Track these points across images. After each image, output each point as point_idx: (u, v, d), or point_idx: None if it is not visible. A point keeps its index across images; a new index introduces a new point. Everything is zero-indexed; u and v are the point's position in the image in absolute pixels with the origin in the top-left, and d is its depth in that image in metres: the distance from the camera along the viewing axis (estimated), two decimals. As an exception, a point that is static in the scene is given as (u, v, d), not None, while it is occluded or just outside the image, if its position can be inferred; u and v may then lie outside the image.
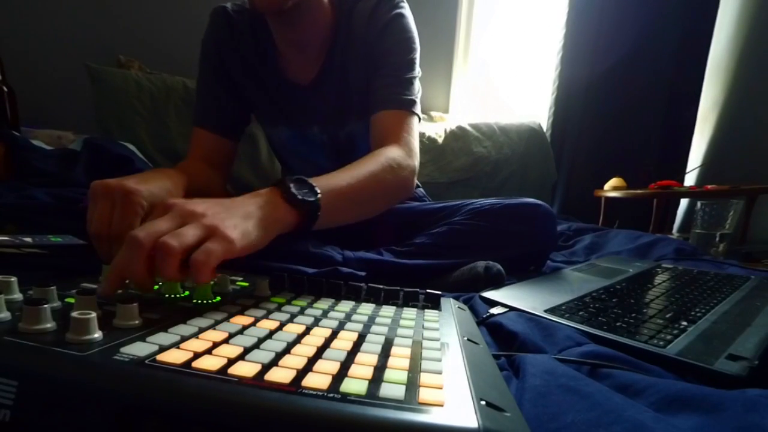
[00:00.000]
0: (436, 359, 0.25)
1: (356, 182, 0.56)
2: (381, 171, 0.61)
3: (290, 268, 0.60)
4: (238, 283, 0.41)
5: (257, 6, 0.67)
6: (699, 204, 1.20)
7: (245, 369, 0.21)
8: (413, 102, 0.75)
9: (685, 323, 0.46)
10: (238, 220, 0.37)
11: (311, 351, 0.24)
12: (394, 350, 0.26)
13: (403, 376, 0.22)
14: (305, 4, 0.71)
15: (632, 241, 1.02)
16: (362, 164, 0.59)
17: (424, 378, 0.22)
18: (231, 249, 0.34)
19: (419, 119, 0.77)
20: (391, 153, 0.65)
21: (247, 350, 0.23)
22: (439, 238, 0.71)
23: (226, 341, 0.25)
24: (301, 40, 0.77)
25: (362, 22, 0.76)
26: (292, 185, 0.45)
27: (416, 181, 1.01)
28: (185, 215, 0.34)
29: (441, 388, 0.21)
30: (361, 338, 0.28)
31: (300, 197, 0.44)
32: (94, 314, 0.23)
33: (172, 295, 0.34)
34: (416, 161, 0.69)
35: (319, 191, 0.47)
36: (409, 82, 0.75)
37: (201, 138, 0.82)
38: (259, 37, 0.80)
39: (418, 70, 0.78)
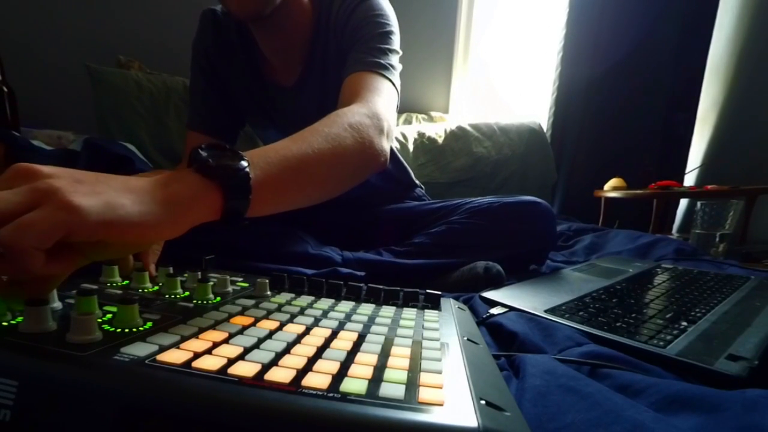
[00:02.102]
0: (436, 359, 0.25)
1: (308, 148, 0.43)
2: (338, 130, 0.48)
3: (290, 270, 0.60)
4: (238, 283, 0.41)
5: (235, 14, 0.66)
6: (699, 204, 1.20)
7: (245, 369, 0.21)
8: (382, 65, 0.66)
9: (685, 323, 0.46)
10: (105, 188, 0.26)
11: (311, 351, 0.24)
12: (394, 350, 0.26)
13: (403, 375, 0.22)
14: (285, 10, 0.69)
15: (632, 242, 1.02)
16: (314, 127, 0.47)
17: (424, 378, 0.22)
18: (71, 220, 0.22)
19: (396, 88, 0.67)
20: (350, 110, 0.54)
21: (247, 350, 0.23)
22: (437, 237, 0.71)
23: (226, 341, 0.25)
24: (282, 46, 0.76)
25: (335, 16, 0.74)
26: (203, 151, 0.33)
27: (414, 177, 1.02)
28: (20, 176, 0.24)
29: (441, 388, 0.21)
30: (361, 338, 0.28)
31: (213, 162, 0.32)
32: (94, 315, 0.23)
33: (172, 295, 0.34)
34: (386, 122, 0.57)
35: (247, 159, 0.34)
36: (381, 51, 0.68)
37: (194, 141, 0.81)
38: (245, 40, 0.79)
39: (395, 47, 0.71)
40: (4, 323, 0.24)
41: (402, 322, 0.33)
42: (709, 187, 1.52)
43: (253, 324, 0.29)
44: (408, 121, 1.75)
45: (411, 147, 1.54)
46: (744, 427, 0.26)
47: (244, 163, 0.34)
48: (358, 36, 0.70)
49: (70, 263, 0.25)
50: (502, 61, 1.97)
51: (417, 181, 1.02)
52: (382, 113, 0.57)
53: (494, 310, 0.51)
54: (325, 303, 0.37)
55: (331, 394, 0.19)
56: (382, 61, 0.66)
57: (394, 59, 0.70)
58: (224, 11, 0.79)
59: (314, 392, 0.19)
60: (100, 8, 1.36)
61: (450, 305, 0.41)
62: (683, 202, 1.95)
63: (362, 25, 0.70)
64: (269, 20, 0.69)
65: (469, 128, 1.65)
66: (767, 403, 0.27)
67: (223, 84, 0.83)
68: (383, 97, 0.61)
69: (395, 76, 0.68)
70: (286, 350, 0.24)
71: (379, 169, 0.57)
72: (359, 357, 0.24)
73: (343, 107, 0.56)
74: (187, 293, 0.35)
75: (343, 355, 0.24)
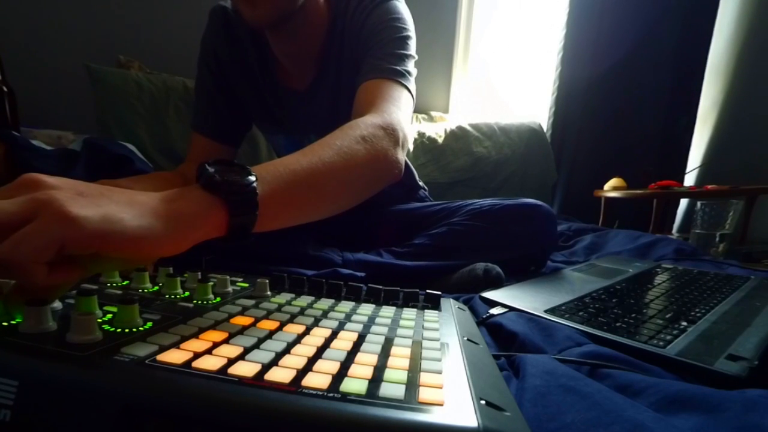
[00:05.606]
0: (436, 359, 0.25)
1: (318, 161, 0.42)
2: (350, 143, 0.46)
3: (290, 270, 0.60)
4: (238, 283, 0.41)
5: (249, 21, 0.64)
6: (699, 204, 1.20)
7: (245, 369, 0.21)
8: (399, 72, 0.64)
9: (685, 323, 0.46)
10: (106, 201, 0.26)
11: (311, 351, 0.24)
12: (394, 350, 0.26)
13: (403, 375, 0.22)
14: (302, 15, 0.68)
15: (632, 241, 1.02)
16: (325, 140, 0.46)
17: (424, 378, 0.22)
18: (66, 230, 0.22)
19: (412, 96, 0.66)
20: (363, 122, 0.52)
21: (247, 350, 0.23)
22: (438, 239, 0.71)
23: (226, 341, 0.25)
24: (297, 50, 0.74)
25: (351, 19, 0.71)
26: (210, 167, 0.32)
27: (418, 179, 1.02)
28: (23, 186, 0.25)
29: (441, 388, 0.21)
30: (361, 338, 0.28)
31: (219, 178, 0.31)
32: (94, 315, 0.23)
33: (172, 295, 0.34)
34: (401, 133, 0.55)
35: (255, 174, 0.34)
36: (398, 57, 0.66)
37: (198, 143, 0.80)
38: (257, 42, 0.77)
39: (412, 52, 0.70)
40: (4, 323, 0.24)
41: (402, 323, 0.33)
42: (709, 187, 1.52)
43: (253, 324, 0.29)
44: (408, 121, 1.75)
45: (411, 147, 1.55)
46: (744, 427, 0.26)
47: (252, 178, 0.33)
48: (375, 40, 0.68)
49: (73, 273, 0.25)
50: (502, 61, 1.97)
51: (421, 183, 1.02)
52: (397, 123, 0.55)
53: (494, 311, 0.51)
54: (325, 303, 0.37)
55: (331, 394, 0.19)
56: (398, 68, 0.64)
57: (411, 65, 0.68)
58: (235, 9, 0.76)
59: (314, 392, 0.19)
60: (100, 8, 1.36)
61: (450, 305, 0.41)
62: (683, 202, 1.95)
63: (379, 30, 0.68)
64: (284, 26, 0.68)
65: (469, 128, 1.65)
66: (767, 403, 0.27)
67: (231, 86, 0.80)
68: (399, 106, 0.60)
69: (411, 83, 0.67)
70: (286, 350, 0.24)
71: (393, 180, 0.56)
72: (359, 357, 0.24)
73: (358, 116, 0.55)
74: (187, 293, 0.35)
75: (343, 355, 0.24)
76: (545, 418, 0.27)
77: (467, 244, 0.70)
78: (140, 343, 0.23)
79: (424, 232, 0.74)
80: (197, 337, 0.25)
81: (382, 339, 0.28)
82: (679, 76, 1.89)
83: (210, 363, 0.21)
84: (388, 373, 0.22)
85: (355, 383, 0.20)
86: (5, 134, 0.73)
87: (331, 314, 0.33)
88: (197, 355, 0.22)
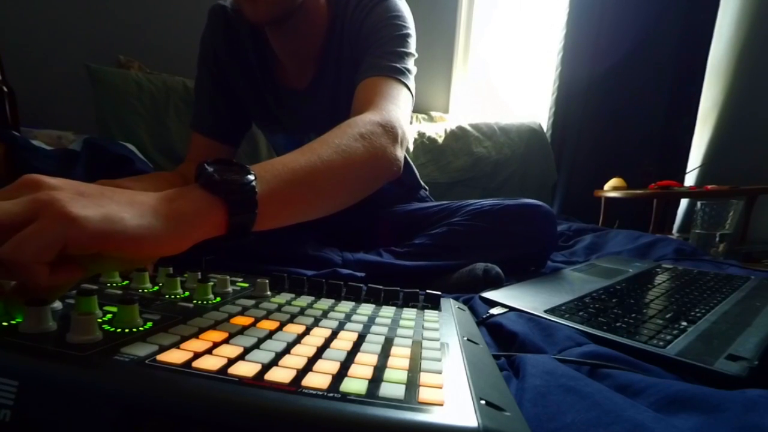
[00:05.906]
0: (436, 359, 0.25)
1: (317, 160, 0.42)
2: (348, 141, 0.46)
3: (289, 270, 0.60)
4: (238, 283, 0.41)
5: (249, 17, 0.64)
6: (699, 204, 1.20)
7: (245, 369, 0.21)
8: (398, 70, 0.64)
9: (684, 323, 0.46)
10: (107, 201, 0.26)
11: (311, 351, 0.24)
12: (394, 350, 0.26)
13: (403, 375, 0.22)
14: (301, 13, 0.68)
15: (632, 242, 1.02)
16: (324, 138, 0.46)
17: (424, 378, 0.22)
18: (67, 230, 0.22)
19: (411, 94, 0.66)
20: (362, 120, 0.52)
21: (247, 350, 0.23)
22: (438, 238, 0.71)
23: (226, 341, 0.25)
24: (297, 48, 0.74)
25: (351, 17, 0.71)
26: (209, 166, 0.32)
27: (419, 178, 1.02)
28: (24, 186, 0.25)
29: (441, 388, 0.21)
30: (360, 338, 0.28)
31: (218, 177, 0.31)
32: (94, 315, 0.23)
33: (172, 296, 0.34)
34: (400, 130, 0.55)
35: (254, 173, 0.34)
36: (397, 55, 0.66)
37: (198, 142, 0.80)
38: (257, 40, 0.77)
39: (412, 50, 0.70)
40: (4, 323, 0.24)
41: (402, 323, 0.33)
42: (709, 187, 1.52)
43: (253, 324, 0.29)
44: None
45: (411, 147, 1.55)
46: (744, 427, 0.26)
47: (251, 177, 0.33)
48: (374, 38, 0.68)
49: (74, 273, 0.25)
50: (502, 61, 1.97)
51: (422, 182, 1.02)
52: (396, 121, 0.55)
53: (494, 311, 0.51)
54: (325, 303, 0.37)
55: (331, 394, 0.19)
56: (398, 66, 0.64)
57: (410, 63, 0.68)
58: (234, 8, 0.76)
59: (314, 392, 0.19)
60: (100, 8, 1.36)
61: (450, 305, 0.41)
62: (683, 202, 1.95)
63: (379, 28, 0.68)
64: (285, 23, 0.68)
65: (469, 128, 1.65)
66: (767, 403, 0.27)
67: (230, 85, 0.80)
68: (398, 104, 0.60)
69: (411, 81, 0.67)
70: (286, 350, 0.24)
71: (392, 178, 0.56)
72: (359, 357, 0.24)
73: (357, 114, 0.55)
74: (187, 293, 0.35)
75: (343, 355, 0.24)
76: (545, 418, 0.27)
77: (467, 243, 0.70)
78: (140, 343, 0.23)
79: (424, 232, 0.74)
80: (197, 337, 0.25)
81: (382, 339, 0.28)
82: (679, 76, 1.89)
83: (210, 363, 0.21)
84: (388, 373, 0.22)
85: (355, 383, 0.20)
86: (5, 134, 0.73)
87: (331, 314, 0.33)
88: (197, 355, 0.22)
